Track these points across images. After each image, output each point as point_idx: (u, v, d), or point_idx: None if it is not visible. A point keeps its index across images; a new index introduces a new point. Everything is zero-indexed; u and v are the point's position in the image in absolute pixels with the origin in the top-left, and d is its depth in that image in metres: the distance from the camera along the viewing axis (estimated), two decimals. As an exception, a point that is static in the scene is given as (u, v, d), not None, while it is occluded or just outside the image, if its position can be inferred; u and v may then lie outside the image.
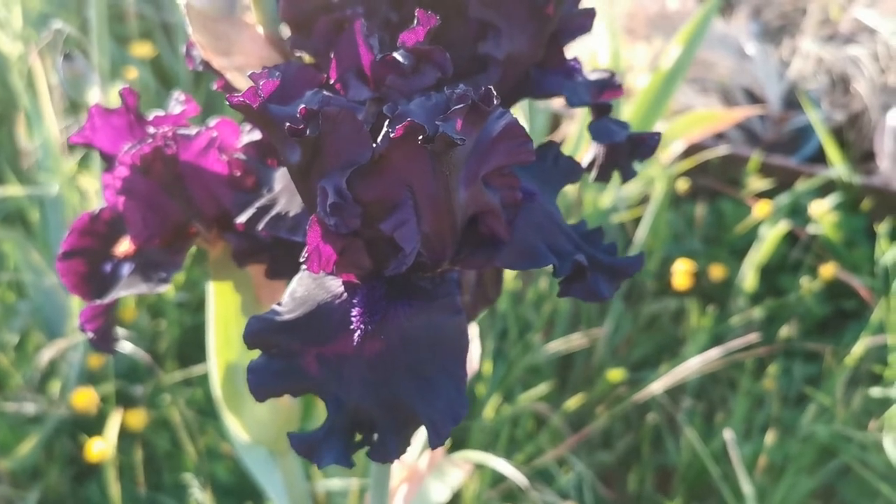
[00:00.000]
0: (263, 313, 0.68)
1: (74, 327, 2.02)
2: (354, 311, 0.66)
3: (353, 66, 0.65)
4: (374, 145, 0.60)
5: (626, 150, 0.87)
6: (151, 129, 0.86)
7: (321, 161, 0.62)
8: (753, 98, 2.95)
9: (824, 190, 2.49)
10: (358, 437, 0.68)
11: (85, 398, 1.87)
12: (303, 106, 0.58)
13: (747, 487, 1.69)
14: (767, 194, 2.53)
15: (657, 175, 2.33)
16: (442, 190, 0.62)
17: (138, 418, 1.88)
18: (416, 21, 0.63)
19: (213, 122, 0.90)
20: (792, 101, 2.93)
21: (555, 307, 2.21)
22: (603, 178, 0.90)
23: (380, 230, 0.63)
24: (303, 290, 0.69)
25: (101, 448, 1.72)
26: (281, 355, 0.67)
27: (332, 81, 0.66)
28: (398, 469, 1.23)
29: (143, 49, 2.75)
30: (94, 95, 1.60)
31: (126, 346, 1.79)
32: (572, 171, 0.80)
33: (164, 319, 2.19)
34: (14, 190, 2.23)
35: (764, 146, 2.77)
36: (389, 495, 1.07)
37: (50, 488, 1.90)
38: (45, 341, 2.07)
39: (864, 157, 2.78)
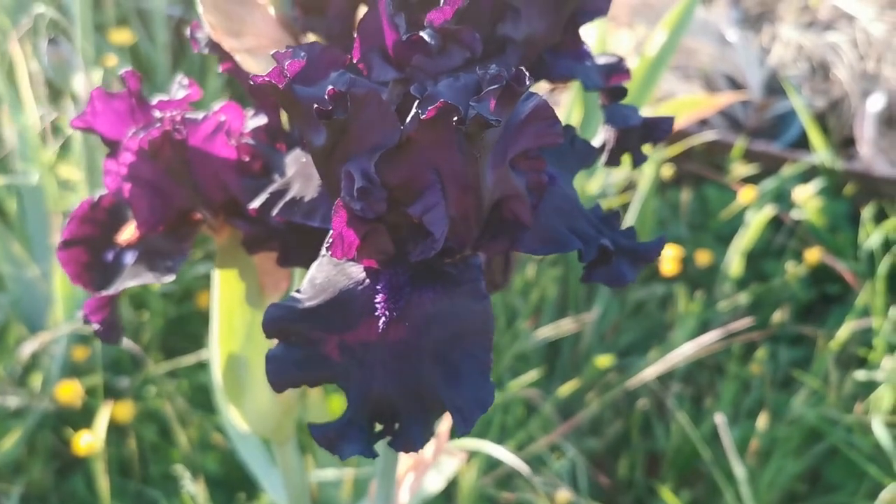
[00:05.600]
0: (283, 301, 0.67)
1: (56, 320, 1.98)
2: (378, 298, 0.65)
3: (376, 46, 0.63)
4: (402, 127, 0.59)
5: (639, 134, 0.87)
6: (157, 114, 0.84)
7: (346, 144, 0.60)
8: (735, 85, 2.97)
9: (807, 175, 2.51)
10: (378, 426, 0.67)
11: (69, 391, 1.84)
12: (331, 87, 0.56)
13: (739, 470, 1.70)
14: (751, 180, 2.54)
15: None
16: (471, 173, 0.61)
17: (125, 410, 1.85)
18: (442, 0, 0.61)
19: (217, 105, 0.88)
20: (773, 88, 2.95)
21: (542, 294, 2.21)
22: (613, 162, 0.90)
23: (406, 215, 0.61)
24: (323, 276, 0.67)
25: (88, 441, 1.69)
26: (301, 343, 0.66)
27: (355, 61, 0.64)
28: (404, 458, 1.22)
29: (121, 36, 2.70)
30: (79, 81, 1.57)
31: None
32: (588, 154, 0.79)
33: (147, 310, 2.15)
34: (-9, 179, 2.17)
35: (746, 132, 2.79)
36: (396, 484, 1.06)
37: (33, 482, 1.86)
38: (27, 334, 2.03)
39: (844, 143, 2.80)
